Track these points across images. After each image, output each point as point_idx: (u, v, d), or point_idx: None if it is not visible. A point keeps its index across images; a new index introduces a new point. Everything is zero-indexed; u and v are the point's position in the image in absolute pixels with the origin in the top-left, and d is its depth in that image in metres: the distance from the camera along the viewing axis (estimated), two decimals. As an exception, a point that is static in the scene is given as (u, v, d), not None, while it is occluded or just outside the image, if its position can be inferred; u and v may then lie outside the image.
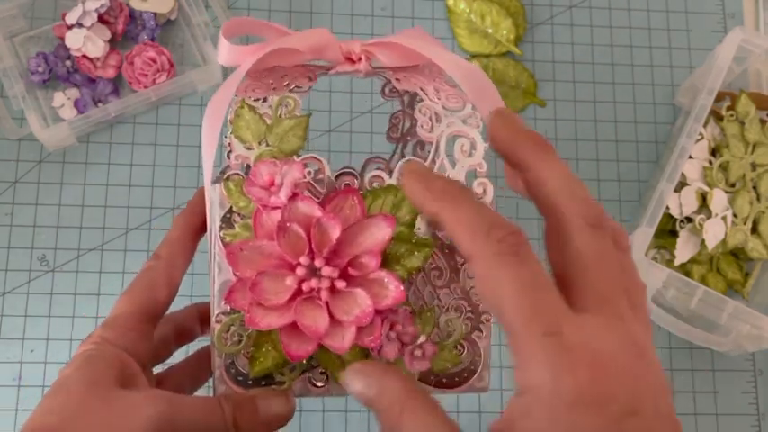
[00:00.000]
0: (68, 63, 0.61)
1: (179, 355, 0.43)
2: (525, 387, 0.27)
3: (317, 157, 0.37)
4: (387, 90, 0.44)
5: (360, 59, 0.39)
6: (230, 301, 0.35)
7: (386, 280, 0.35)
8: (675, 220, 0.59)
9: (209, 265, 0.36)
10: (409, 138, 0.49)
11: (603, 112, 0.65)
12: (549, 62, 0.66)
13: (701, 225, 0.57)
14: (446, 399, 0.58)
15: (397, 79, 0.40)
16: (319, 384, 0.37)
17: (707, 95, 0.57)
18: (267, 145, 0.37)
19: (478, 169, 0.38)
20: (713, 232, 0.57)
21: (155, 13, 0.61)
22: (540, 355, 0.26)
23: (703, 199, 0.58)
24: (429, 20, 0.66)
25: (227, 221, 0.36)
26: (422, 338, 0.37)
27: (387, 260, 0.36)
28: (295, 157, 0.36)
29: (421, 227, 0.36)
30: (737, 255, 0.61)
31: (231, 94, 0.37)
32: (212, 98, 0.37)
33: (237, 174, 0.36)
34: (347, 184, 0.37)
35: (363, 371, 0.32)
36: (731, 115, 0.60)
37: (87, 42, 0.59)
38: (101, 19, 0.60)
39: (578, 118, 0.65)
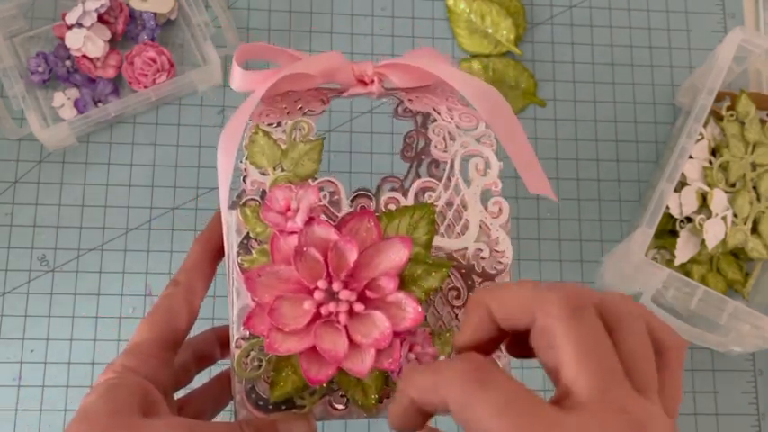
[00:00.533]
0: (68, 63, 0.61)
1: (199, 378, 0.43)
2: None
3: (333, 180, 0.37)
4: (400, 110, 0.44)
5: (372, 81, 0.40)
6: (249, 327, 0.35)
7: (404, 302, 0.35)
8: (675, 220, 0.59)
9: (228, 291, 0.36)
10: (423, 157, 0.49)
11: (603, 112, 0.65)
12: (549, 62, 0.66)
13: (701, 225, 0.57)
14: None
15: (410, 100, 0.40)
16: (340, 407, 0.37)
17: (707, 95, 0.57)
18: (282, 170, 0.37)
19: (494, 188, 0.38)
20: (713, 232, 0.57)
21: (155, 13, 0.61)
22: None
23: (703, 199, 0.58)
24: (429, 20, 0.66)
25: (244, 247, 0.36)
26: (441, 359, 0.37)
27: (404, 281, 0.36)
28: (310, 180, 0.36)
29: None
30: (737, 255, 0.61)
31: (246, 119, 0.37)
32: (227, 124, 0.38)
33: (254, 199, 0.36)
34: (363, 207, 0.37)
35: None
36: (731, 115, 0.60)
37: (87, 42, 0.59)
38: (101, 19, 0.60)
39: (578, 118, 0.65)
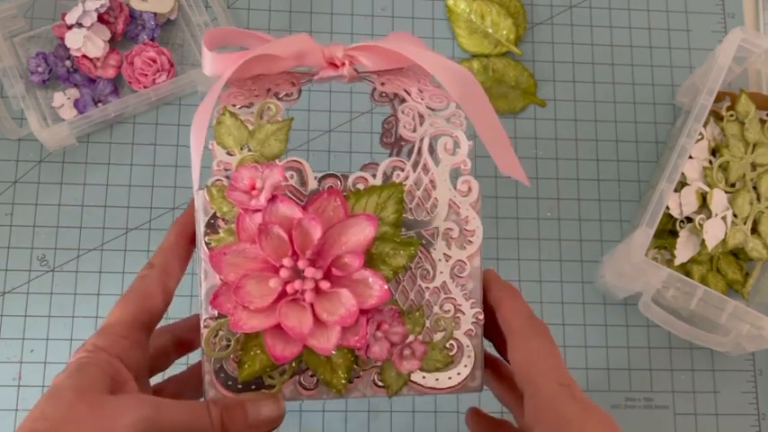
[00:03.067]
0: (68, 63, 0.61)
1: (180, 367, 0.43)
2: None
3: (299, 160, 0.37)
4: (376, 95, 0.44)
5: (343, 64, 0.39)
6: (216, 306, 0.35)
7: (370, 280, 0.35)
8: (675, 220, 0.59)
9: (198, 271, 0.37)
10: (403, 143, 0.49)
11: (603, 112, 0.65)
12: (549, 62, 0.66)
13: (701, 225, 0.57)
14: (446, 399, 0.58)
15: (382, 83, 0.40)
16: (309, 387, 0.37)
17: (707, 95, 0.57)
18: (249, 150, 0.37)
19: (463, 167, 0.38)
20: (713, 232, 0.57)
21: (155, 13, 0.61)
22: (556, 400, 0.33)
23: (703, 199, 0.58)
24: (429, 20, 0.66)
25: (211, 227, 0.36)
26: (411, 338, 0.37)
27: (372, 260, 0.36)
28: (277, 161, 0.37)
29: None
30: (737, 255, 0.61)
31: (214, 101, 0.37)
32: (198, 107, 0.38)
33: (220, 179, 0.37)
34: (331, 187, 0.37)
35: None
36: (731, 115, 0.60)
37: (87, 42, 0.59)
38: (101, 19, 0.60)
39: (578, 118, 0.65)
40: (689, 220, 0.59)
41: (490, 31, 0.65)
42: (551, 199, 0.63)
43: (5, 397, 0.55)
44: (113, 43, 0.62)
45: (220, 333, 0.36)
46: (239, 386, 0.37)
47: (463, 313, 0.38)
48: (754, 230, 0.59)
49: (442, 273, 0.38)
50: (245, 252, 0.35)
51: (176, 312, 0.47)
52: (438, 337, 0.38)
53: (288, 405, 0.57)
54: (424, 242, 0.38)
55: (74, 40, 0.59)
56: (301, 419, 0.57)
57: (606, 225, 0.63)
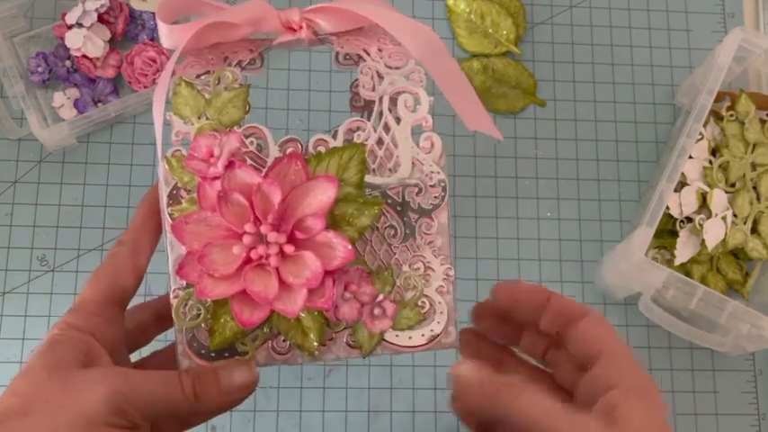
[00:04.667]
0: (68, 63, 0.61)
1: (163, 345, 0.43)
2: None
3: (258, 126, 0.37)
4: (340, 58, 0.44)
5: (300, 28, 0.39)
6: (182, 275, 0.35)
7: (334, 241, 0.35)
8: (675, 219, 0.59)
9: (165, 243, 0.37)
10: (374, 105, 0.49)
11: (603, 112, 0.65)
12: (549, 62, 0.66)
13: (701, 225, 0.57)
14: (442, 399, 0.58)
15: (341, 45, 0.40)
16: (282, 352, 0.37)
17: (707, 95, 0.57)
18: (207, 119, 0.37)
19: (424, 124, 0.38)
20: (713, 232, 0.57)
21: (154, 13, 0.61)
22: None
23: (703, 199, 0.58)
24: (429, 20, 0.66)
25: (173, 197, 0.37)
26: (380, 297, 0.37)
27: (336, 221, 0.36)
28: (236, 128, 0.37)
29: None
30: (737, 255, 0.61)
31: (170, 72, 0.37)
32: (158, 81, 0.38)
33: (179, 150, 0.37)
34: (291, 150, 0.37)
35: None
36: (731, 115, 0.60)
37: (87, 42, 0.59)
38: (101, 19, 0.60)
39: (578, 118, 0.65)
40: (689, 220, 0.59)
41: (490, 31, 0.65)
42: (551, 199, 0.63)
43: (5, 397, 0.55)
44: (113, 43, 0.62)
45: (190, 303, 0.36)
46: (212, 354, 0.37)
47: (433, 270, 0.38)
48: (754, 230, 0.59)
49: (409, 231, 0.38)
50: (207, 220, 0.35)
51: (160, 289, 0.48)
52: (409, 295, 0.38)
53: (288, 405, 0.57)
54: (389, 201, 0.37)
55: (74, 40, 0.59)
56: (301, 419, 0.57)
57: (606, 225, 0.63)
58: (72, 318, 0.36)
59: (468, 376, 0.34)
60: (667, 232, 0.60)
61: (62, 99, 0.60)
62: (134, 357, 0.41)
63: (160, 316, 0.42)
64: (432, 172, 0.38)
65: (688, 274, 0.59)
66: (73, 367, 0.33)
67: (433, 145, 0.38)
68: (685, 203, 0.58)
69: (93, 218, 0.59)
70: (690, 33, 0.68)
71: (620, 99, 0.65)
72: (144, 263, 0.39)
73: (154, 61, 0.60)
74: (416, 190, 0.38)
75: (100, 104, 0.60)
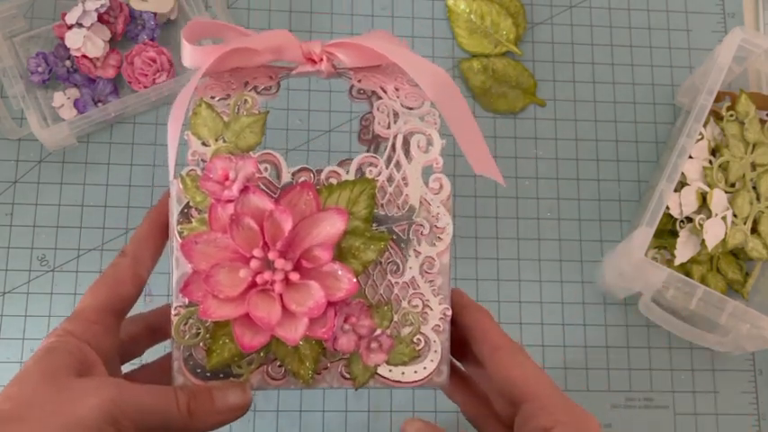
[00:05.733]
0: (68, 63, 0.61)
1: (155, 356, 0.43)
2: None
3: (274, 154, 0.38)
4: (354, 92, 0.45)
5: (321, 60, 0.40)
6: (186, 294, 0.36)
7: (339, 272, 0.35)
8: (675, 219, 0.59)
9: (170, 260, 0.37)
10: (380, 139, 0.49)
11: (603, 112, 0.65)
12: (549, 62, 0.66)
13: (700, 225, 0.57)
14: (442, 399, 0.58)
15: (359, 80, 0.40)
16: (277, 377, 0.38)
17: (707, 95, 0.57)
18: (224, 141, 0.37)
19: (435, 165, 0.39)
20: (713, 232, 0.57)
21: (155, 13, 0.61)
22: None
23: (703, 199, 0.58)
24: (429, 20, 0.66)
25: (184, 216, 0.37)
26: (378, 331, 0.37)
27: (342, 254, 0.37)
28: (251, 153, 0.37)
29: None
30: (737, 255, 0.61)
31: (191, 92, 0.37)
32: (177, 98, 0.38)
33: (194, 169, 0.37)
34: (304, 180, 0.38)
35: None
36: (731, 115, 0.60)
37: (87, 42, 0.59)
38: (101, 19, 0.60)
39: (578, 118, 0.65)
40: (689, 220, 0.59)
41: (490, 31, 0.65)
42: (551, 199, 0.63)
43: (5, 397, 0.55)
44: (113, 43, 0.62)
45: (190, 321, 0.37)
46: (207, 374, 0.37)
47: (431, 309, 0.39)
48: (754, 230, 0.59)
49: (411, 268, 0.38)
50: (217, 242, 0.35)
51: (161, 290, 0.48)
52: (405, 331, 0.38)
53: (288, 405, 0.57)
54: (394, 237, 0.38)
55: (74, 40, 0.59)
56: (301, 419, 0.57)
57: (606, 225, 0.63)
58: (70, 325, 0.36)
59: None
60: (667, 232, 0.60)
61: (62, 99, 0.60)
62: (125, 369, 0.41)
63: (153, 329, 0.42)
64: (438, 213, 0.38)
65: (688, 274, 0.59)
66: (68, 374, 0.33)
67: (441, 186, 0.39)
68: (685, 203, 0.58)
69: (93, 218, 0.59)
70: (690, 33, 0.68)
71: (620, 99, 0.65)
72: (145, 274, 0.39)
73: (154, 61, 0.60)
74: (422, 229, 0.38)
75: (100, 104, 0.60)
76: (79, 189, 0.60)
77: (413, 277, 0.38)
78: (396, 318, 0.38)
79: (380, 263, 0.38)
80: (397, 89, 0.40)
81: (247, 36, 0.40)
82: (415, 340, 0.38)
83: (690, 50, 0.67)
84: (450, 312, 0.39)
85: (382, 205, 0.38)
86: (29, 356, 0.56)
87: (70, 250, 0.59)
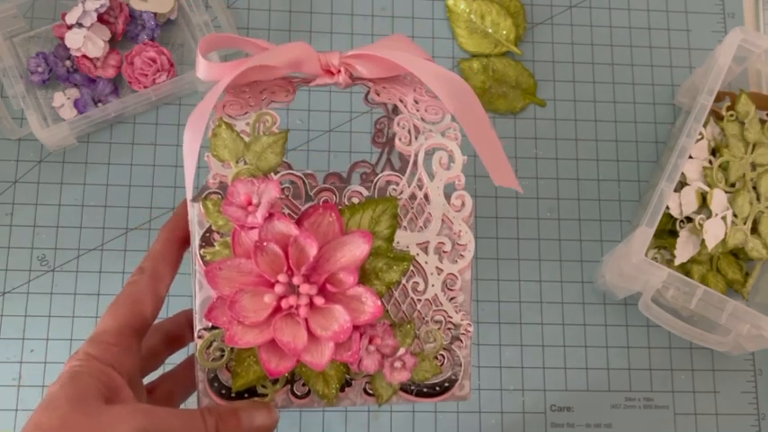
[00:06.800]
0: (68, 63, 0.61)
1: (173, 359, 0.43)
2: None
3: (296, 173, 0.37)
4: (369, 98, 0.45)
5: (339, 72, 0.40)
6: (211, 319, 0.35)
7: (363, 296, 0.35)
8: (675, 219, 0.59)
9: (192, 281, 0.37)
10: (394, 143, 0.49)
11: (603, 112, 0.65)
12: (549, 62, 0.66)
13: (700, 225, 0.57)
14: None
15: (376, 92, 0.40)
16: (301, 396, 0.38)
17: (707, 95, 0.57)
18: (245, 163, 0.37)
19: (457, 182, 0.38)
20: (713, 232, 0.57)
21: (155, 13, 0.61)
22: None
23: (703, 199, 0.58)
24: (429, 20, 0.66)
25: (206, 239, 0.37)
26: (401, 351, 0.37)
27: (365, 275, 0.36)
28: (273, 174, 0.36)
29: None
30: (737, 255, 0.61)
31: (209, 110, 0.37)
32: (191, 115, 0.37)
33: (216, 192, 0.36)
34: (326, 200, 0.37)
35: None
36: (731, 115, 0.60)
37: (87, 42, 0.59)
38: (101, 19, 0.60)
39: (578, 118, 0.65)
40: (689, 220, 0.59)
41: (490, 31, 0.65)
42: (551, 199, 0.63)
43: (5, 397, 0.55)
44: (113, 43, 0.62)
45: (214, 344, 0.37)
46: (232, 395, 0.37)
47: (453, 325, 0.39)
48: (754, 230, 0.59)
49: (433, 286, 0.38)
50: (241, 267, 0.35)
51: (178, 290, 0.48)
52: (428, 348, 0.38)
53: (288, 405, 0.57)
54: (417, 255, 0.38)
55: (74, 40, 0.59)
56: (301, 419, 0.57)
57: (606, 225, 0.63)
58: (92, 348, 0.35)
59: None
60: (667, 232, 0.60)
61: (62, 99, 0.60)
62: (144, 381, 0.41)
63: (171, 339, 0.42)
64: (461, 230, 0.38)
65: (688, 274, 0.59)
66: (96, 400, 0.33)
67: (463, 204, 0.38)
68: (685, 203, 0.58)
69: (93, 218, 0.59)
70: (690, 33, 0.68)
71: (620, 99, 0.66)
72: (163, 291, 0.39)
73: (154, 61, 0.60)
74: (444, 246, 0.38)
75: (100, 104, 0.60)
76: (79, 189, 0.60)
77: (435, 294, 0.38)
78: (419, 335, 0.38)
79: (403, 281, 0.38)
80: (416, 101, 0.39)
81: (265, 49, 0.40)
82: (438, 357, 0.39)
83: (690, 50, 0.67)
84: (471, 329, 0.39)
85: (404, 225, 0.38)
86: (28, 356, 0.57)
87: (70, 250, 0.59)
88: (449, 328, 0.39)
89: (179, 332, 0.42)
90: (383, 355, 0.37)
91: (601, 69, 0.66)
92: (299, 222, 0.36)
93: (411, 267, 0.38)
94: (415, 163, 0.38)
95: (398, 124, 0.38)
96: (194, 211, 0.37)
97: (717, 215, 0.58)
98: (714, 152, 0.60)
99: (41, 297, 0.58)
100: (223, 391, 0.37)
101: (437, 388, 0.39)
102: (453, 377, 0.39)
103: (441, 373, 0.39)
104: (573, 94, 0.65)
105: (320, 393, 0.37)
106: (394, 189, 0.38)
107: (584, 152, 0.64)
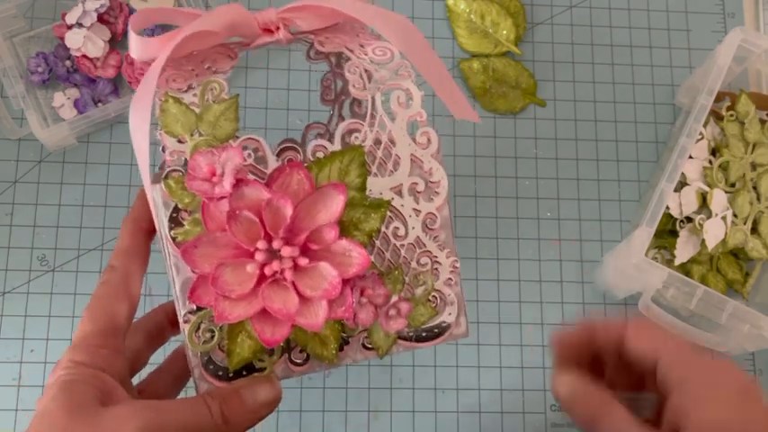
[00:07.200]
0: (68, 63, 0.61)
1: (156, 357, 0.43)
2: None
3: (254, 137, 0.36)
4: (312, 53, 0.43)
5: (278, 28, 0.38)
6: (195, 300, 0.34)
7: (348, 249, 0.35)
8: (675, 219, 0.59)
9: (166, 268, 0.35)
10: (344, 97, 0.47)
11: (603, 112, 0.65)
12: (549, 62, 0.66)
13: (700, 225, 0.57)
14: (442, 400, 0.58)
15: (320, 42, 0.39)
16: (300, 363, 0.37)
17: (707, 95, 0.57)
18: (200, 134, 0.35)
19: (419, 119, 0.37)
20: (713, 232, 0.57)
21: (155, 13, 0.61)
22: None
23: (703, 199, 0.58)
24: (429, 20, 0.66)
25: (175, 220, 0.35)
26: (394, 298, 0.37)
27: (344, 228, 0.35)
28: (231, 141, 0.35)
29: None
30: (737, 255, 0.61)
31: (152, 88, 0.35)
32: (134, 96, 0.36)
33: (176, 170, 0.35)
34: (290, 159, 0.36)
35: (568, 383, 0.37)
36: (731, 115, 0.60)
37: (87, 42, 0.59)
38: (101, 19, 0.60)
39: (578, 118, 0.65)
40: (689, 220, 0.59)
41: (490, 31, 0.65)
42: (551, 199, 0.63)
43: (5, 397, 0.55)
44: (113, 43, 0.62)
45: (202, 326, 0.36)
46: (230, 374, 0.36)
47: (440, 264, 0.38)
48: (754, 230, 0.59)
49: (413, 228, 0.37)
50: (216, 241, 0.34)
51: (161, 290, 0.48)
52: (419, 291, 0.38)
53: (288, 405, 0.57)
54: (392, 200, 0.37)
55: (74, 40, 0.59)
56: (301, 420, 0.57)
57: (606, 225, 0.63)
58: (77, 355, 0.34)
59: (567, 391, 0.36)
60: (667, 232, 0.60)
61: (62, 99, 0.60)
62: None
63: (152, 336, 0.41)
64: (431, 168, 0.37)
65: (688, 274, 0.59)
66: (93, 406, 0.32)
67: (429, 140, 0.38)
68: (685, 203, 0.58)
69: (93, 218, 0.59)
70: (690, 33, 0.68)
71: (620, 99, 0.65)
72: (137, 288, 0.38)
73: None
74: (417, 187, 0.37)
75: (100, 104, 0.60)
76: (79, 189, 0.60)
77: (417, 237, 0.38)
78: (407, 280, 0.37)
79: (383, 229, 0.37)
80: (362, 46, 0.38)
81: (198, 16, 0.38)
82: (430, 299, 0.38)
83: (690, 50, 0.67)
84: (458, 264, 0.38)
85: (374, 171, 0.37)
86: (28, 356, 0.57)
87: (70, 250, 0.59)
88: (436, 268, 0.38)
89: (159, 328, 0.42)
90: (376, 306, 0.36)
91: (601, 69, 0.66)
92: (267, 186, 0.35)
93: (389, 213, 0.37)
94: (374, 107, 0.37)
95: (349, 71, 0.37)
96: (157, 194, 0.35)
97: (717, 215, 0.58)
98: (714, 152, 0.60)
99: (41, 297, 0.58)
100: (220, 373, 0.36)
101: (435, 330, 0.38)
102: (449, 315, 0.38)
103: (436, 314, 0.38)
104: (573, 94, 0.65)
105: (320, 356, 0.36)
106: (356, 137, 0.37)
107: (585, 152, 0.64)
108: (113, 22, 0.61)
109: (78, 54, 0.59)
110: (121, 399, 0.34)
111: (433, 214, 0.38)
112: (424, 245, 0.38)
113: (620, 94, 0.66)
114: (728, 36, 0.58)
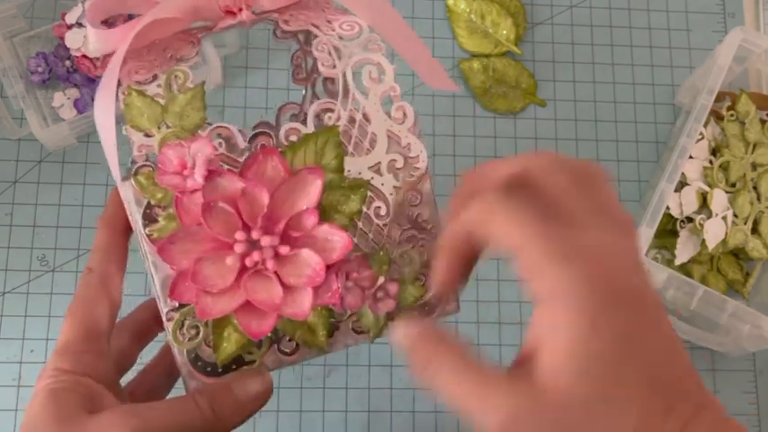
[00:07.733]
0: (68, 63, 0.61)
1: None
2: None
3: (224, 125, 0.35)
4: (278, 33, 0.42)
5: (240, 10, 0.37)
6: (176, 297, 0.34)
7: (329, 233, 0.34)
8: (675, 220, 0.59)
9: (144, 267, 0.35)
10: (316, 75, 0.46)
11: (603, 112, 0.65)
12: (549, 62, 0.66)
13: (701, 225, 0.57)
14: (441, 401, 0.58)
15: (285, 21, 0.37)
16: (290, 352, 0.36)
17: (707, 95, 0.57)
18: (168, 126, 0.34)
19: (392, 93, 0.36)
20: (713, 232, 0.57)
21: (155, 13, 0.61)
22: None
23: (703, 199, 0.58)
24: (429, 20, 0.66)
25: (148, 217, 0.34)
26: (381, 280, 0.36)
27: (324, 212, 0.35)
28: (200, 131, 0.34)
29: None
30: (738, 255, 0.61)
31: (114, 83, 0.34)
32: (97, 93, 0.35)
33: (146, 165, 0.34)
34: (263, 145, 0.35)
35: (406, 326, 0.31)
36: (731, 115, 0.60)
37: (87, 42, 0.59)
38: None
39: (578, 118, 0.65)
40: (689, 220, 0.59)
41: (490, 30, 0.65)
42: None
43: (5, 397, 0.55)
44: (113, 43, 0.62)
45: (186, 323, 0.35)
46: (219, 369, 0.35)
47: (426, 240, 0.37)
48: (755, 230, 0.59)
49: (395, 206, 0.36)
50: (193, 235, 0.33)
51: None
52: (407, 271, 0.37)
53: (288, 405, 0.57)
54: (371, 179, 0.36)
55: (74, 40, 0.59)
56: (301, 419, 0.57)
57: (606, 225, 0.63)
58: (61, 362, 0.34)
59: (400, 340, 0.31)
60: (667, 232, 0.60)
61: (62, 99, 0.60)
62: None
63: (138, 334, 0.41)
64: (409, 143, 0.36)
65: (688, 274, 0.59)
66: (80, 414, 0.32)
67: (405, 115, 0.36)
68: (685, 203, 0.58)
69: (93, 218, 0.59)
70: (690, 33, 0.68)
71: (620, 99, 0.65)
72: (117, 288, 0.37)
73: (154, 61, 0.60)
74: (396, 164, 0.36)
75: (100, 104, 0.60)
76: (79, 189, 0.60)
77: (401, 215, 0.37)
78: (394, 259, 0.36)
79: (364, 209, 0.36)
80: (329, 21, 0.37)
81: (158, 4, 0.37)
82: (419, 277, 0.37)
83: (690, 50, 0.67)
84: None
85: (351, 151, 0.36)
86: (28, 356, 0.57)
87: (70, 250, 0.59)
88: (423, 246, 0.37)
89: (145, 326, 0.41)
90: (363, 289, 0.35)
91: (601, 69, 0.66)
92: (241, 175, 0.34)
93: (369, 193, 0.36)
94: (346, 84, 0.36)
95: (317, 48, 0.36)
96: (129, 191, 0.34)
97: (717, 215, 0.58)
98: (714, 152, 0.60)
99: (41, 297, 0.58)
100: (209, 369, 0.35)
101: (426, 308, 0.37)
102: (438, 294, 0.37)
103: (426, 292, 0.37)
104: (573, 94, 0.65)
105: (309, 344, 0.36)
106: (330, 117, 0.36)
107: (585, 152, 0.64)
108: (113, 23, 0.61)
109: (78, 54, 0.59)
110: (108, 404, 0.33)
111: (415, 191, 0.37)
112: (407, 222, 0.37)
113: (621, 93, 0.66)
114: (729, 36, 0.58)
